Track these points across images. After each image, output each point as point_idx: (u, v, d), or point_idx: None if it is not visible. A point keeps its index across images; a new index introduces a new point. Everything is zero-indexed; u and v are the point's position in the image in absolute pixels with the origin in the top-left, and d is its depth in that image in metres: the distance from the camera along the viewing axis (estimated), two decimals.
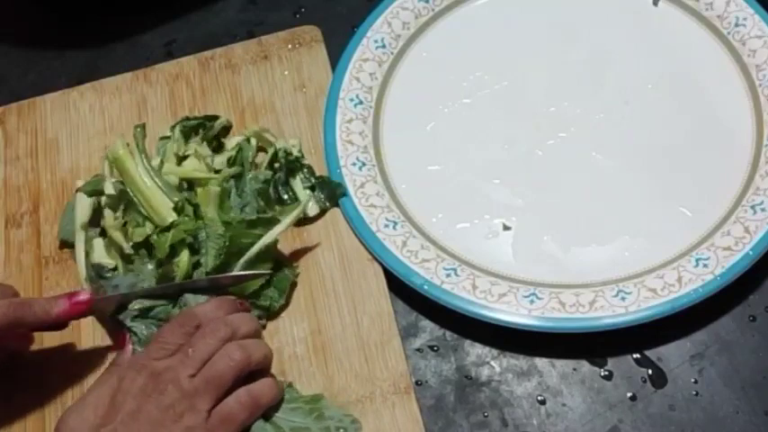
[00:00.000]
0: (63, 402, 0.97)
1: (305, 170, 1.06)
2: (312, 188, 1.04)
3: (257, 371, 0.92)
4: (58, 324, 0.94)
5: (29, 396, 0.98)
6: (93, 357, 1.00)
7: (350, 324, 0.97)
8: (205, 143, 1.08)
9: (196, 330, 0.92)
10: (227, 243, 0.97)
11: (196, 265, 0.98)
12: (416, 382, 0.94)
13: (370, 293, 0.99)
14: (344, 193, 1.03)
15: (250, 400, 0.89)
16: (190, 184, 1.04)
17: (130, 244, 1.00)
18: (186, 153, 1.06)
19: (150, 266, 0.99)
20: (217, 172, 1.05)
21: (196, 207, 1.00)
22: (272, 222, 0.98)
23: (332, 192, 1.03)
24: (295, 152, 1.07)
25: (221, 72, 1.16)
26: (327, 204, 1.04)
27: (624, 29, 1.13)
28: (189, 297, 0.98)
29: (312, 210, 1.04)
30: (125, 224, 1.02)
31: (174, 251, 0.98)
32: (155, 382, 0.88)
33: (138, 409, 0.86)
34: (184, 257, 0.97)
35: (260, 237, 0.97)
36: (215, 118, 1.11)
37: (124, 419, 0.86)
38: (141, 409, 0.86)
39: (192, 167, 1.05)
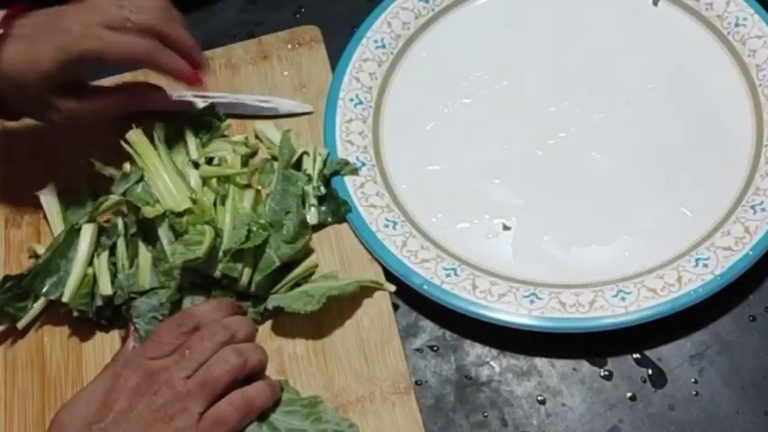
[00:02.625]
0: (63, 395, 0.97)
1: (321, 179, 1.05)
2: (320, 200, 1.04)
3: (252, 374, 0.92)
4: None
5: (30, 390, 0.98)
6: (96, 351, 1.00)
7: (350, 324, 0.97)
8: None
9: (194, 331, 0.92)
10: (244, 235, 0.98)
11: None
12: (416, 382, 0.94)
13: (370, 293, 0.99)
14: (349, 211, 1.02)
15: (243, 403, 0.89)
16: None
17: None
18: (210, 156, 1.07)
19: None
20: None
21: (223, 198, 1.01)
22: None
23: (337, 207, 1.03)
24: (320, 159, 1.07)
25: (221, 72, 1.16)
26: (330, 220, 1.04)
27: (624, 29, 1.13)
28: (185, 299, 0.98)
29: (312, 219, 1.03)
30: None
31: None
32: (149, 382, 0.88)
33: (129, 409, 0.86)
34: (209, 233, 0.98)
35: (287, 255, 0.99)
36: (213, 112, 1.11)
37: (115, 418, 0.85)
38: (133, 408, 0.86)
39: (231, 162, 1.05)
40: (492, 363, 0.95)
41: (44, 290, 0.99)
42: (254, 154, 1.09)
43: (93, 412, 0.86)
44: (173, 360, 0.90)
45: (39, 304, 1.00)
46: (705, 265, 0.94)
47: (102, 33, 0.94)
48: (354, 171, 1.04)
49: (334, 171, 1.05)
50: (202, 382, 0.88)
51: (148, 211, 0.98)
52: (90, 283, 0.99)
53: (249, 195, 1.02)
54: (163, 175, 1.01)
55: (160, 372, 0.88)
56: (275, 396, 0.92)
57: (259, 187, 1.05)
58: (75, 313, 0.98)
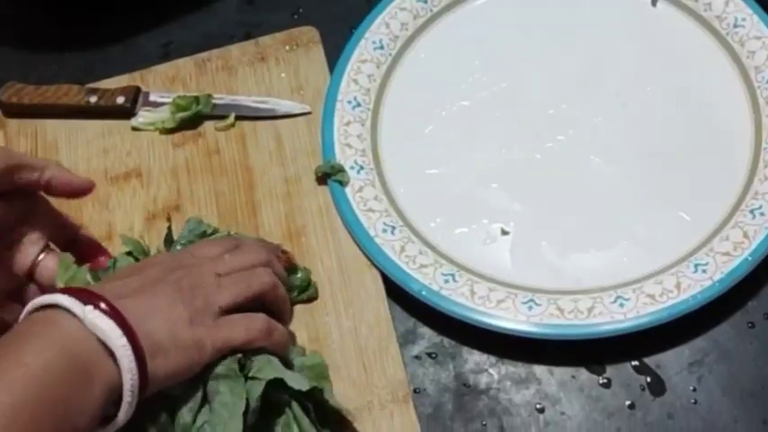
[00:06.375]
0: None
1: None
2: None
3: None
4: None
5: None
6: None
7: (348, 331, 0.97)
8: None
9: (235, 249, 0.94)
10: None
11: None
12: (414, 390, 0.94)
13: (369, 300, 0.98)
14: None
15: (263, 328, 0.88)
16: None
17: None
18: None
19: None
20: None
21: None
22: None
23: None
24: None
25: (217, 74, 1.16)
26: None
27: (623, 29, 1.12)
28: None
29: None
30: None
31: None
32: (181, 262, 0.89)
33: (158, 279, 0.85)
34: None
35: None
36: None
37: (143, 281, 0.85)
38: (162, 278, 0.86)
39: None
40: (490, 370, 0.94)
41: None
42: None
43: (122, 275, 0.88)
44: (210, 258, 0.91)
45: None
46: (704, 271, 0.93)
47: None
48: (343, 181, 1.04)
49: (326, 173, 1.05)
50: (235, 281, 0.88)
51: None
52: None
53: None
54: None
55: (196, 263, 0.89)
56: (286, 346, 0.91)
57: None
58: None
